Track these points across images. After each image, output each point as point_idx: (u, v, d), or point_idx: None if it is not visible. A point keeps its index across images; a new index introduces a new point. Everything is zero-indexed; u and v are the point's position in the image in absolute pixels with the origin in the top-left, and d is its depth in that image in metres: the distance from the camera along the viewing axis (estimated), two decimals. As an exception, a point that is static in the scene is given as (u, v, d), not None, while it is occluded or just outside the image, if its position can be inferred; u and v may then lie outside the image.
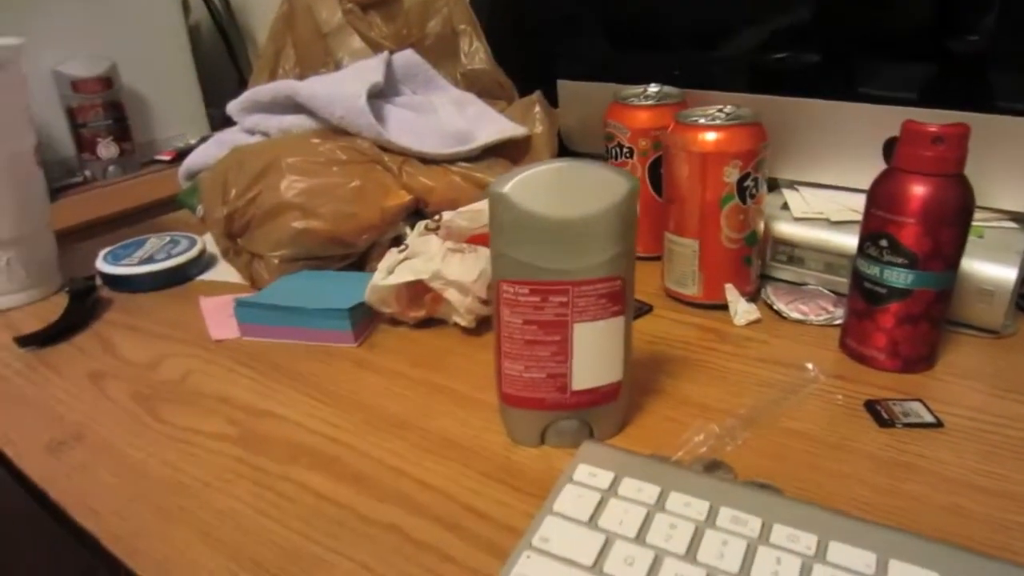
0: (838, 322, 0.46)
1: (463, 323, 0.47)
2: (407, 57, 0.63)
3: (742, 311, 0.47)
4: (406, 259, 0.47)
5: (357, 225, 0.52)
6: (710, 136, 0.45)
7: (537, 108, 0.62)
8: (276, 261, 0.53)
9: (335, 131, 0.56)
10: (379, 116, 0.56)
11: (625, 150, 0.55)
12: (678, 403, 0.39)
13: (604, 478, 0.31)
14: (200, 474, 0.36)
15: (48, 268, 0.57)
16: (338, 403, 0.41)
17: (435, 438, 0.38)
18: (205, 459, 0.37)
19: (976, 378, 0.40)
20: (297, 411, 0.40)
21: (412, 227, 0.50)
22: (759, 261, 0.50)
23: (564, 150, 0.65)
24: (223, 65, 1.05)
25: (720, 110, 0.47)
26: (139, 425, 0.40)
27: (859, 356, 0.42)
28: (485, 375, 0.41)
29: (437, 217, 0.48)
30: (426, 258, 0.46)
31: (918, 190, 0.37)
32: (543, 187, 0.32)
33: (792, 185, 0.55)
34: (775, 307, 0.48)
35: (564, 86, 0.66)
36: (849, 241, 0.46)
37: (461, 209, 0.48)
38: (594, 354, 0.34)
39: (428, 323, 0.49)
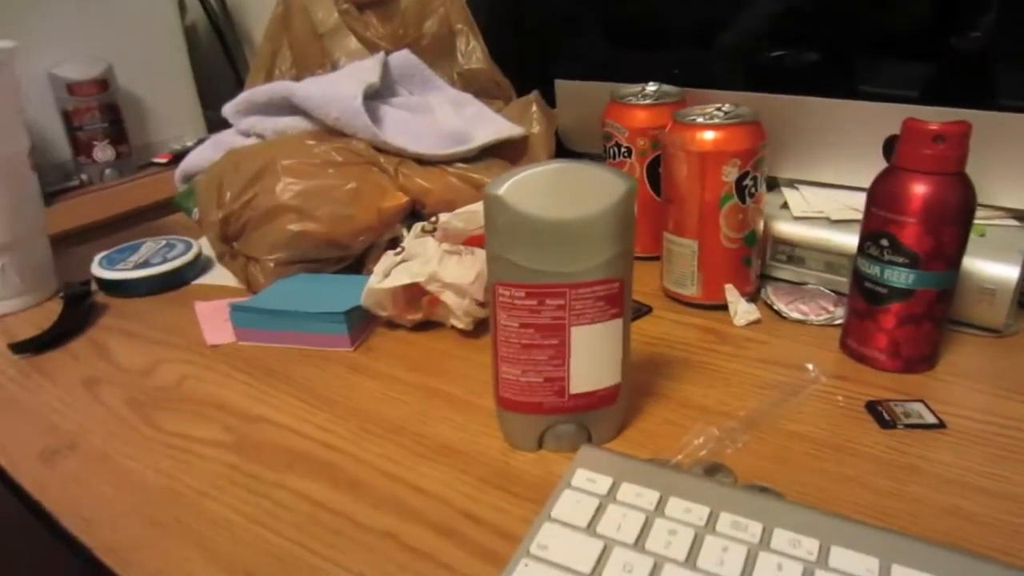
0: (839, 322, 0.45)
1: (460, 326, 0.46)
2: (403, 57, 0.63)
3: (742, 311, 0.47)
4: (402, 261, 0.47)
5: (353, 227, 0.52)
6: (709, 135, 0.44)
7: (534, 108, 0.61)
8: (272, 264, 0.53)
9: (331, 132, 0.55)
10: (375, 117, 0.55)
11: (623, 150, 0.54)
12: (678, 405, 0.39)
13: (603, 483, 0.31)
14: (195, 483, 0.35)
15: (43, 273, 0.57)
16: (334, 408, 0.41)
17: (432, 443, 0.37)
18: (200, 467, 0.36)
19: (978, 378, 0.40)
20: (292, 417, 0.40)
21: (409, 229, 0.50)
22: (759, 261, 0.49)
23: (562, 150, 0.65)
24: (220, 66, 1.05)
25: (719, 109, 0.46)
26: (133, 433, 0.40)
27: (860, 356, 0.42)
28: (482, 379, 0.41)
29: (433, 219, 0.48)
30: (423, 260, 0.46)
31: (919, 189, 0.37)
32: (539, 189, 0.31)
33: (792, 184, 0.54)
34: (775, 307, 0.48)
35: (562, 85, 0.65)
36: (850, 240, 0.45)
37: (458, 211, 0.47)
38: (592, 357, 0.34)
39: (425, 326, 0.48)
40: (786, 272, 0.51)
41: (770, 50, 0.54)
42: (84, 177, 0.84)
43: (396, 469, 0.35)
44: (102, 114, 0.83)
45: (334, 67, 0.66)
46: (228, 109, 0.62)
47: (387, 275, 0.46)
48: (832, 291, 0.49)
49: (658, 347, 0.45)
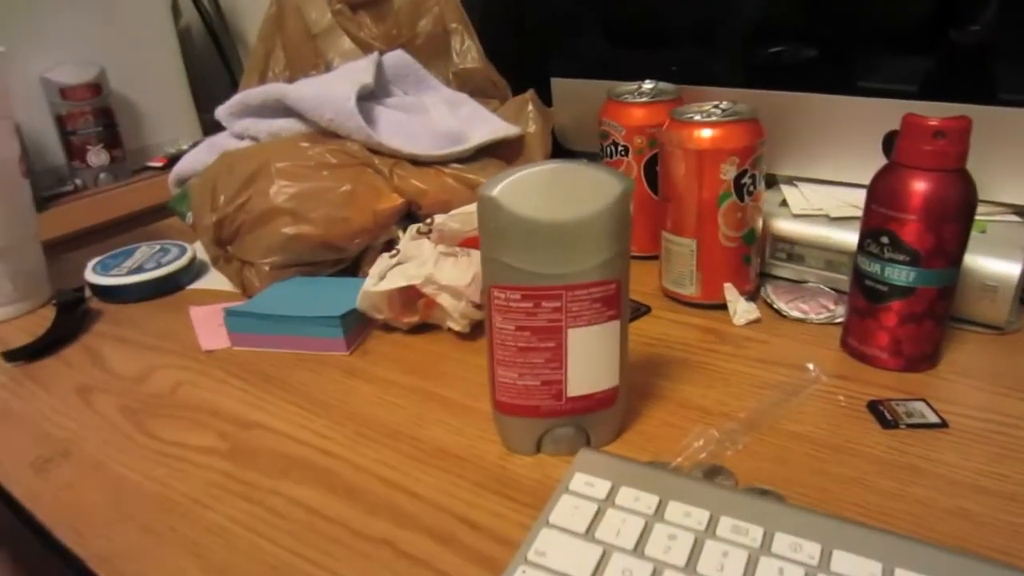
0: (839, 320, 0.45)
1: (457, 328, 0.46)
2: (398, 57, 0.63)
3: (741, 311, 0.47)
4: (398, 264, 0.46)
5: (349, 229, 0.51)
6: (706, 133, 0.44)
7: (530, 107, 0.61)
8: (267, 268, 0.52)
9: (325, 134, 0.55)
10: (369, 118, 0.55)
11: (620, 148, 0.54)
12: (677, 407, 0.39)
13: (601, 487, 0.30)
14: (189, 491, 0.35)
15: (36, 280, 0.56)
16: (330, 413, 0.40)
17: (428, 448, 0.37)
18: (194, 475, 0.36)
19: (980, 376, 0.40)
20: (288, 423, 0.40)
21: (405, 230, 0.49)
22: (758, 259, 0.49)
23: (559, 149, 0.64)
24: (215, 68, 1.04)
25: (716, 106, 0.46)
26: (127, 441, 0.39)
27: (861, 355, 0.41)
28: (479, 382, 0.40)
29: (429, 220, 0.47)
30: (418, 262, 0.45)
31: (919, 186, 0.37)
32: (534, 190, 0.31)
33: (791, 181, 0.54)
34: (775, 306, 0.48)
35: (558, 84, 0.65)
36: (850, 238, 0.45)
37: (453, 212, 0.47)
38: (589, 360, 0.33)
39: (422, 328, 0.48)
40: (786, 270, 0.50)
41: (768, 46, 0.53)
42: (78, 182, 0.84)
43: (392, 475, 0.35)
44: (96, 118, 0.82)
45: (328, 68, 0.66)
46: (221, 112, 0.61)
47: (382, 278, 0.46)
48: (832, 289, 0.48)
49: (657, 347, 0.45)
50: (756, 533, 0.27)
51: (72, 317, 0.52)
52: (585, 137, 0.62)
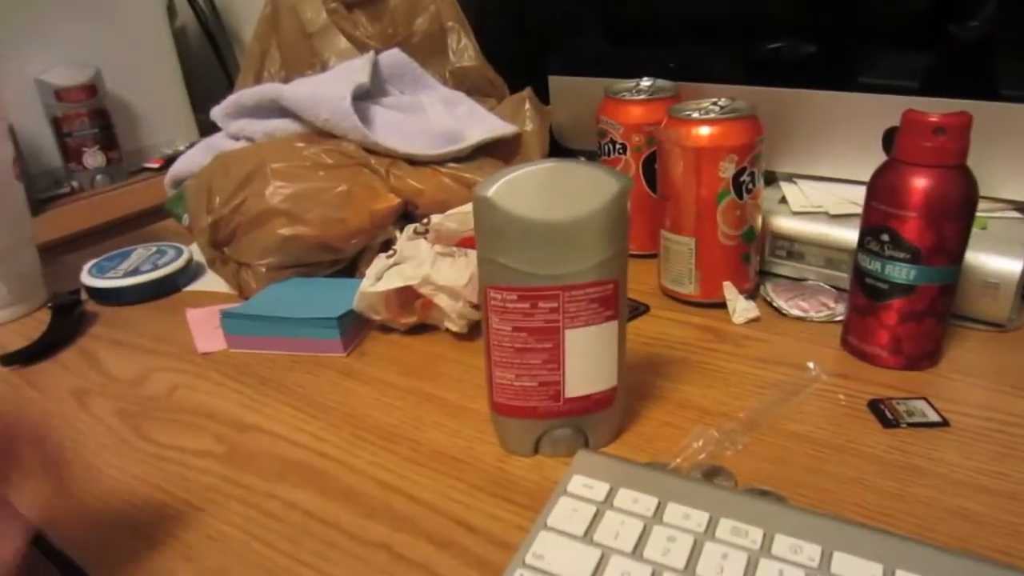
0: (839, 318, 0.45)
1: (455, 328, 0.46)
2: (394, 56, 0.62)
3: (741, 309, 0.46)
4: (395, 264, 0.46)
5: (345, 230, 0.51)
6: (704, 130, 0.44)
7: (528, 105, 0.60)
8: (263, 269, 0.52)
9: (320, 134, 0.55)
10: (365, 118, 0.54)
11: (618, 146, 0.54)
12: (676, 407, 0.38)
13: (600, 489, 0.30)
14: (185, 495, 0.35)
15: (31, 283, 0.56)
16: (327, 416, 0.40)
17: (426, 450, 0.36)
18: (191, 479, 0.36)
19: (981, 374, 0.39)
20: (285, 425, 0.39)
21: (402, 230, 0.49)
22: (757, 257, 0.49)
23: (556, 147, 0.64)
24: (211, 68, 1.04)
25: (714, 103, 0.46)
26: (123, 445, 0.39)
27: (861, 354, 0.41)
28: (477, 383, 0.40)
29: (426, 220, 0.47)
30: (415, 263, 0.45)
31: (919, 183, 0.36)
32: (529, 189, 0.31)
33: (790, 178, 0.53)
34: (775, 304, 0.47)
35: (555, 82, 0.64)
36: (850, 235, 0.45)
37: (450, 212, 0.47)
38: (587, 360, 0.33)
39: (419, 329, 0.48)
40: (785, 268, 0.50)
41: (766, 42, 0.53)
42: (74, 184, 0.83)
43: (389, 477, 0.35)
44: (91, 120, 0.82)
45: (323, 67, 0.65)
46: (217, 112, 0.61)
47: (379, 278, 0.45)
48: (832, 287, 0.48)
49: (656, 347, 0.44)
50: (756, 535, 0.27)
51: (68, 320, 0.52)
52: (583, 135, 0.62)
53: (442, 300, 0.44)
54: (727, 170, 0.44)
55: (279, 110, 0.57)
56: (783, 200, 0.51)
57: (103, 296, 0.56)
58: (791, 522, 0.28)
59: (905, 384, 0.39)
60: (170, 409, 0.42)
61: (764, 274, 0.51)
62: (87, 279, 0.56)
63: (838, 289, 0.47)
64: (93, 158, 0.83)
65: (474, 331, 0.46)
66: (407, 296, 0.46)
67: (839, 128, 0.50)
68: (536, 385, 0.33)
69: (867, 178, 0.39)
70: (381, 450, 0.37)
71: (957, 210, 0.36)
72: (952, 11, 0.44)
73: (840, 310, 0.45)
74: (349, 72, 0.58)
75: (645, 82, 0.54)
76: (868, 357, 0.41)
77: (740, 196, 0.45)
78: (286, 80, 0.64)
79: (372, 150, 0.54)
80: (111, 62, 0.84)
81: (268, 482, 0.35)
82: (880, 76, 0.48)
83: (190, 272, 0.59)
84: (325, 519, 0.32)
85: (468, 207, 0.46)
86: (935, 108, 0.36)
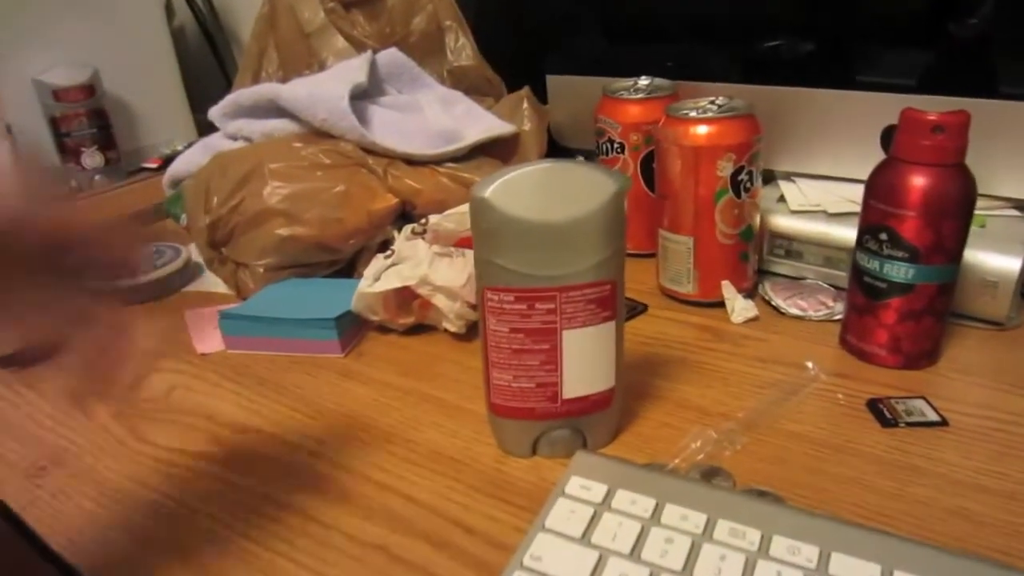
0: (838, 317, 0.44)
1: (453, 329, 0.46)
2: (391, 56, 0.62)
3: (739, 308, 0.46)
4: (393, 265, 0.46)
5: (343, 230, 0.51)
6: (702, 129, 0.44)
7: (525, 104, 0.60)
8: (261, 270, 0.52)
9: (318, 134, 0.55)
10: (363, 117, 0.54)
11: (616, 145, 0.54)
12: (674, 407, 0.38)
13: (597, 491, 0.30)
14: (183, 497, 0.35)
15: (30, 283, 0.56)
16: (324, 417, 0.40)
17: (423, 451, 0.36)
18: (188, 481, 0.36)
19: (980, 373, 0.39)
20: (282, 427, 0.39)
21: (400, 231, 0.49)
22: (756, 256, 0.49)
23: (554, 147, 0.64)
24: (209, 68, 1.04)
25: (712, 102, 0.45)
26: (121, 447, 0.39)
27: (860, 353, 0.41)
28: (475, 383, 0.40)
29: (424, 221, 0.47)
30: (413, 263, 0.45)
31: (918, 181, 0.36)
32: (526, 190, 0.30)
33: (788, 177, 0.53)
34: (773, 303, 0.47)
35: (553, 81, 0.64)
36: (848, 234, 0.44)
37: (447, 212, 0.47)
38: (585, 361, 0.33)
39: (417, 329, 0.48)
40: (784, 267, 0.50)
41: (764, 40, 0.53)
42: (73, 184, 0.83)
43: (387, 478, 0.35)
44: (89, 120, 0.82)
45: (322, 67, 0.65)
46: (214, 112, 0.61)
47: (377, 279, 0.45)
48: (831, 286, 0.48)
49: (654, 346, 0.44)
50: (754, 536, 0.27)
51: (66, 321, 0.52)
52: (581, 134, 0.62)
53: (440, 300, 0.44)
54: (725, 169, 0.44)
55: (277, 110, 0.56)
56: (781, 199, 0.51)
57: (101, 297, 0.56)
58: (789, 523, 0.28)
59: (904, 383, 0.39)
60: (168, 410, 0.42)
61: (762, 273, 0.51)
62: (85, 280, 0.56)
63: (837, 288, 0.47)
64: (91, 158, 0.83)
65: (472, 331, 0.46)
66: (405, 296, 0.46)
67: (837, 126, 0.50)
68: (534, 386, 0.33)
69: (866, 176, 0.39)
70: (379, 451, 0.37)
71: (956, 209, 0.36)
72: (950, 9, 0.44)
73: (839, 309, 0.45)
74: (347, 72, 0.58)
75: (643, 81, 0.54)
76: (867, 356, 0.41)
77: (738, 195, 0.44)
78: (284, 80, 0.64)
79: (370, 150, 0.54)
80: (109, 62, 0.84)
81: (265, 484, 0.35)
82: (878, 74, 0.48)
83: (188, 273, 0.59)
84: (322, 521, 0.32)
85: (466, 207, 0.46)
86: (934, 106, 0.36)
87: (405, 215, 0.54)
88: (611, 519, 0.28)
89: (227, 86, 0.97)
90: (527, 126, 0.59)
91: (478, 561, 0.29)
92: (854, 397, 0.38)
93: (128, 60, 0.87)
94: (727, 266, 0.47)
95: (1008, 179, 0.44)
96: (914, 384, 0.39)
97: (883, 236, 0.38)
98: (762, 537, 0.27)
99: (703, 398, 0.39)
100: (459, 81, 0.65)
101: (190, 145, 0.66)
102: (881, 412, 0.37)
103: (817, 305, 0.46)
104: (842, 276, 0.46)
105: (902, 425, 0.36)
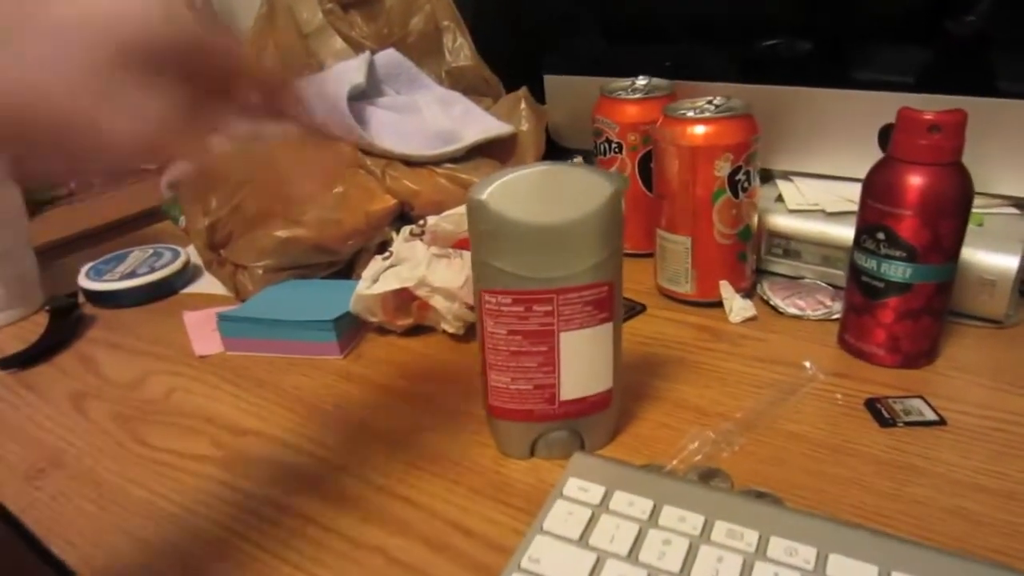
0: (836, 317, 0.44)
1: (451, 330, 0.46)
2: (389, 56, 0.62)
3: (737, 308, 0.46)
4: (391, 266, 0.46)
5: (342, 232, 0.51)
6: (699, 129, 0.44)
7: (523, 105, 0.60)
8: (260, 271, 0.52)
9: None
10: (361, 118, 0.54)
11: (614, 146, 0.53)
12: (673, 408, 0.38)
13: (595, 492, 0.30)
14: (182, 500, 0.35)
15: (28, 286, 0.56)
16: (323, 419, 0.40)
17: (422, 453, 0.36)
18: (187, 483, 0.36)
19: (979, 372, 0.39)
20: (281, 429, 0.39)
21: (398, 232, 0.49)
22: (754, 256, 0.48)
23: (552, 147, 0.64)
24: (208, 69, 1.04)
25: (709, 102, 0.45)
26: (120, 449, 0.39)
27: (858, 352, 0.41)
28: (474, 385, 0.40)
29: (422, 222, 0.47)
30: (411, 265, 0.45)
31: (915, 180, 0.36)
32: (523, 192, 0.30)
33: (786, 176, 0.53)
34: (771, 302, 0.47)
35: (551, 81, 0.64)
36: (846, 233, 0.44)
37: (446, 213, 0.47)
38: (582, 363, 0.33)
39: (416, 331, 0.48)
40: (782, 266, 0.50)
41: (761, 40, 0.53)
42: (72, 186, 0.83)
43: (385, 480, 0.35)
44: (88, 121, 0.81)
45: (320, 68, 0.65)
46: (212, 114, 0.61)
47: (376, 280, 0.45)
48: (829, 285, 0.48)
49: (652, 347, 0.44)
50: (751, 537, 0.27)
51: (65, 323, 0.52)
52: (579, 134, 0.62)
53: (438, 302, 0.44)
54: (723, 169, 0.44)
55: (274, 111, 0.56)
56: (779, 198, 0.51)
57: (100, 299, 0.56)
58: (786, 524, 0.28)
59: (902, 382, 0.39)
60: (167, 412, 0.42)
61: (760, 273, 0.50)
62: (84, 282, 0.56)
63: (835, 287, 0.47)
64: (90, 160, 0.82)
65: (470, 333, 0.46)
66: (403, 298, 0.46)
67: (835, 125, 0.50)
68: (531, 388, 0.33)
69: (863, 175, 0.39)
70: (377, 453, 0.37)
71: (953, 208, 0.36)
72: (947, 7, 0.44)
73: (837, 308, 0.45)
74: (345, 73, 0.57)
75: (641, 81, 0.54)
76: (865, 355, 0.41)
77: (736, 195, 0.44)
78: (282, 81, 0.64)
79: (368, 151, 0.54)
80: (107, 63, 0.84)
81: (263, 487, 0.35)
82: (875, 73, 0.48)
83: (187, 274, 0.59)
84: (321, 523, 0.32)
85: (464, 208, 0.46)
86: (931, 104, 0.35)
87: (403, 216, 0.54)
88: (609, 521, 0.28)
89: (225, 87, 0.97)
90: (525, 126, 0.59)
91: (476, 563, 0.30)
92: (852, 397, 0.38)
93: (126, 61, 0.87)
94: (725, 266, 0.47)
95: (1006, 177, 0.44)
96: (912, 383, 0.39)
97: (881, 235, 0.38)
98: (760, 538, 0.27)
99: (701, 398, 0.39)
100: (457, 81, 0.65)
101: (188, 146, 0.66)
102: (879, 412, 0.37)
103: (815, 304, 0.46)
104: (840, 275, 0.46)
105: (900, 425, 0.36)
